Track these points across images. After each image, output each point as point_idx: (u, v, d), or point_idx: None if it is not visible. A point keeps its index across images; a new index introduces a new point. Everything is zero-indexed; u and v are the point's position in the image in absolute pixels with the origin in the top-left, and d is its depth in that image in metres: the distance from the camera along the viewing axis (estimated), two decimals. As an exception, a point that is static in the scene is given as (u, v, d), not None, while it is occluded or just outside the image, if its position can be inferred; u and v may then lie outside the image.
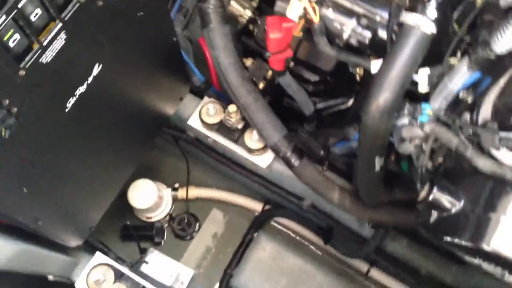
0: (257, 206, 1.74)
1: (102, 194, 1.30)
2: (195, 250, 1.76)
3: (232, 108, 1.29)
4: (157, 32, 1.13)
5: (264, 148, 1.37)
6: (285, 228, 1.75)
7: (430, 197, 0.91)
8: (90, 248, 1.45)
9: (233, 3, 1.29)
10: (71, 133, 1.00)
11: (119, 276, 1.28)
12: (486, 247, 0.84)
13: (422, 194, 0.94)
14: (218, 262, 1.73)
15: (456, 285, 1.52)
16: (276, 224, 1.75)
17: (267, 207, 1.73)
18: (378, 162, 1.10)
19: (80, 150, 1.07)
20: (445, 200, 0.90)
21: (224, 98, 1.41)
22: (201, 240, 1.76)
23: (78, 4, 0.86)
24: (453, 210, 0.89)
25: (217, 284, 1.70)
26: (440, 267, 1.53)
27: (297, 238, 1.74)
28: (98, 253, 1.34)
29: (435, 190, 0.91)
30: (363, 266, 1.66)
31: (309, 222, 1.67)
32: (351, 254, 1.58)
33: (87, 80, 0.96)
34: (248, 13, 1.30)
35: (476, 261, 0.88)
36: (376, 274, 1.66)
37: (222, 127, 1.37)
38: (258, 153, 1.38)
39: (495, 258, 0.84)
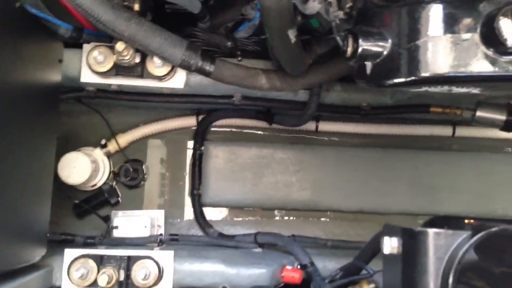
0: (190, 121, 1.68)
1: (39, 193, 1.19)
2: (152, 188, 1.71)
3: (120, 46, 1.14)
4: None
5: (173, 68, 1.25)
6: (227, 128, 1.72)
7: (359, 50, 0.88)
8: (55, 245, 1.36)
9: None
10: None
11: (99, 261, 1.22)
12: (425, 74, 0.84)
13: (349, 49, 0.90)
14: (179, 187, 1.71)
15: (396, 102, 1.60)
16: (217, 129, 1.71)
17: (200, 117, 1.67)
18: (292, 34, 1.04)
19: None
20: (373, 46, 0.88)
21: (106, 35, 1.24)
22: (153, 175, 1.71)
23: None
24: (385, 52, 0.87)
25: (190, 209, 1.69)
26: (377, 94, 1.59)
27: (242, 131, 1.73)
28: (66, 251, 1.26)
29: (360, 41, 0.87)
30: (310, 125, 1.69)
31: (247, 112, 1.64)
32: (297, 123, 1.60)
33: None
34: None
35: (423, 89, 0.89)
36: (324, 126, 1.71)
37: (120, 69, 1.22)
38: (169, 77, 1.27)
39: (437, 80, 0.85)
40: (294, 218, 1.74)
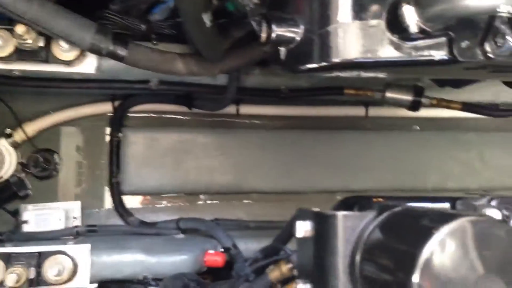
0: (106, 107, 1.60)
1: None
2: (68, 178, 1.63)
3: (20, 29, 1.05)
4: None
5: (82, 53, 1.18)
6: (145, 113, 1.67)
7: (272, 36, 0.88)
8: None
9: None
10: None
11: (7, 259, 1.14)
12: (335, 60, 0.86)
13: (263, 35, 0.90)
14: (97, 176, 1.64)
15: (312, 85, 1.64)
16: (135, 114, 1.65)
17: (116, 103, 1.60)
18: (207, 19, 1.02)
19: None
20: (286, 32, 0.88)
21: (4, 17, 1.13)
22: (68, 163, 1.62)
23: None
24: (298, 38, 0.88)
25: (109, 198, 1.63)
26: (293, 77, 1.61)
27: (162, 116, 1.69)
28: (-31, 251, 1.16)
29: (273, 27, 0.88)
30: (231, 108, 1.69)
31: (165, 97, 1.60)
32: (218, 107, 1.59)
33: None
34: None
35: (334, 74, 0.91)
36: (245, 109, 1.72)
37: (21, 54, 1.13)
38: (78, 61, 1.20)
39: (347, 65, 0.88)
40: (218, 202, 1.74)
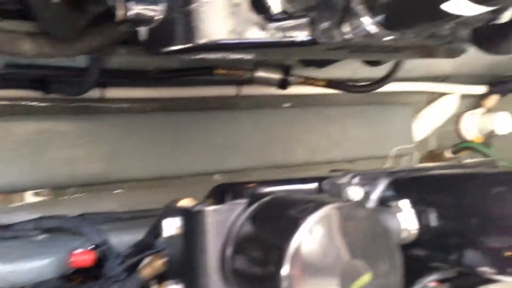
0: None
1: None
2: None
3: None
4: None
5: None
6: (-9, 101, 1.46)
7: (130, 14, 0.80)
8: None
9: None
10: None
11: None
12: (200, 41, 0.82)
13: (119, 13, 0.82)
14: None
15: (182, 66, 1.58)
16: (-22, 103, 1.44)
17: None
18: (52, -7, 0.90)
19: None
20: (145, 10, 0.81)
21: None
22: None
23: None
24: (158, 17, 0.82)
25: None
26: (162, 58, 1.54)
27: (14, 104, 1.49)
28: None
29: (131, 4, 0.80)
30: (95, 92, 1.56)
31: (15, 82, 1.41)
32: (78, 91, 1.45)
33: None
34: None
35: (200, 56, 0.87)
36: (111, 93, 1.60)
37: None
38: None
39: (213, 47, 0.84)
40: (86, 194, 1.61)
